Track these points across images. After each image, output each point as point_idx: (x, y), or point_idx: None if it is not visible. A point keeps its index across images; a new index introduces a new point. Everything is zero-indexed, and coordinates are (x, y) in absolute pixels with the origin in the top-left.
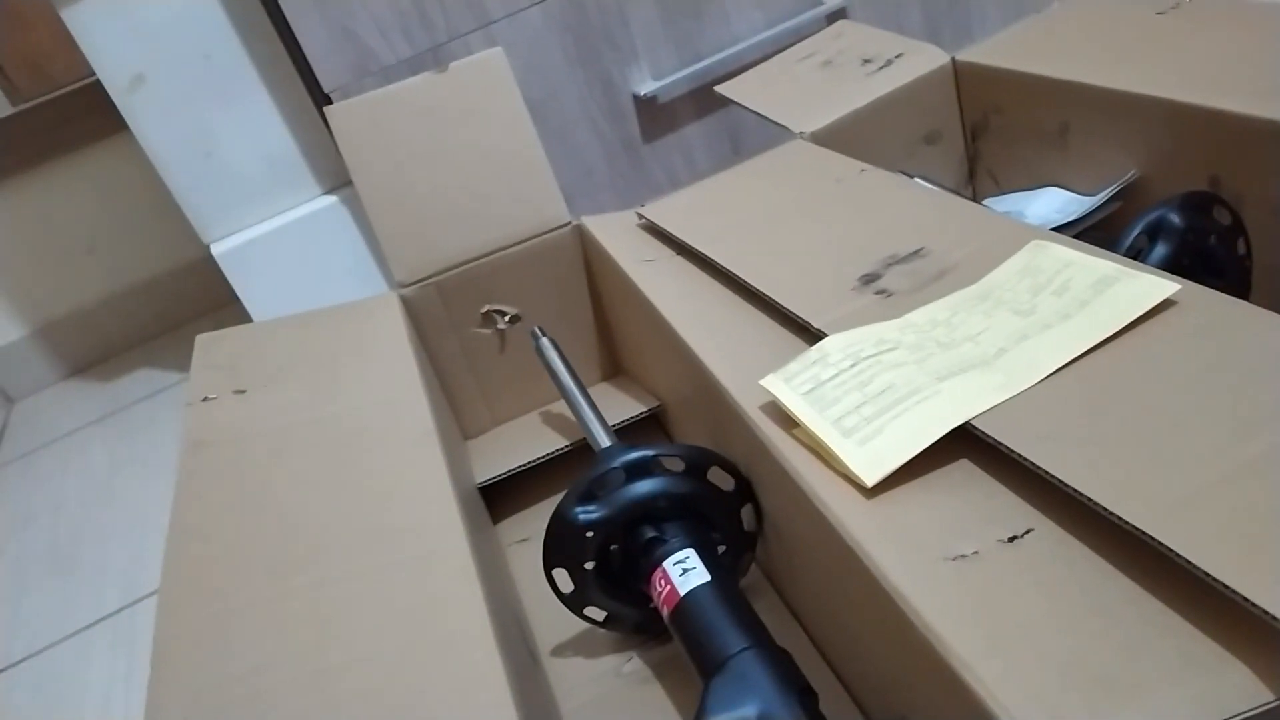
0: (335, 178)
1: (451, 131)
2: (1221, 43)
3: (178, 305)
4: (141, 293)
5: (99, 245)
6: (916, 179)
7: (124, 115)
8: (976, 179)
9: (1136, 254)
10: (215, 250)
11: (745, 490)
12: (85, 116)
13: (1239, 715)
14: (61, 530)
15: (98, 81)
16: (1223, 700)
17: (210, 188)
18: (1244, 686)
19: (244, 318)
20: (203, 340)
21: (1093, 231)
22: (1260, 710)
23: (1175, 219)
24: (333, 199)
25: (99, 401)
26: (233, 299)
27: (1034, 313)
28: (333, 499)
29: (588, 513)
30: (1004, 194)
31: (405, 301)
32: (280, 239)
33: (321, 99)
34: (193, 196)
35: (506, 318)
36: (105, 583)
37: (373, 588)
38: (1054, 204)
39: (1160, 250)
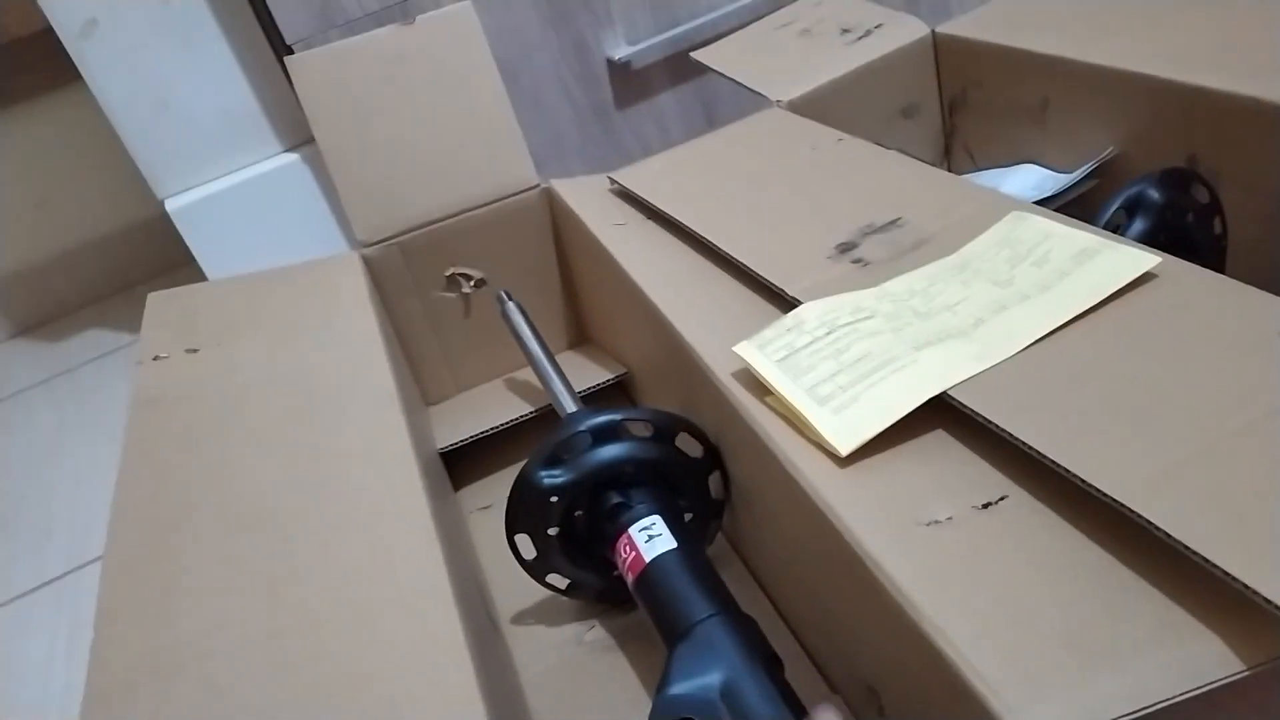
0: (296, 134)
1: (418, 87)
2: (1204, 19)
3: (131, 265)
4: (93, 251)
5: (48, 200)
6: (894, 151)
7: (76, 62)
8: (953, 154)
9: (1115, 229)
10: (170, 206)
11: (714, 458)
12: (35, 67)
13: (1213, 683)
14: (4, 493)
15: (49, 31)
16: (1198, 668)
17: (165, 141)
18: (1217, 656)
19: (200, 280)
20: (155, 298)
21: (1068, 209)
22: (1233, 680)
23: (1155, 194)
24: (294, 157)
25: (46, 362)
26: (188, 260)
27: (1013, 283)
28: (287, 460)
29: (553, 477)
30: (980, 170)
31: (367, 262)
32: (238, 196)
33: (284, 50)
34: (147, 149)
35: (472, 281)
36: (49, 548)
37: (329, 550)
38: (1029, 181)
39: (1139, 226)
